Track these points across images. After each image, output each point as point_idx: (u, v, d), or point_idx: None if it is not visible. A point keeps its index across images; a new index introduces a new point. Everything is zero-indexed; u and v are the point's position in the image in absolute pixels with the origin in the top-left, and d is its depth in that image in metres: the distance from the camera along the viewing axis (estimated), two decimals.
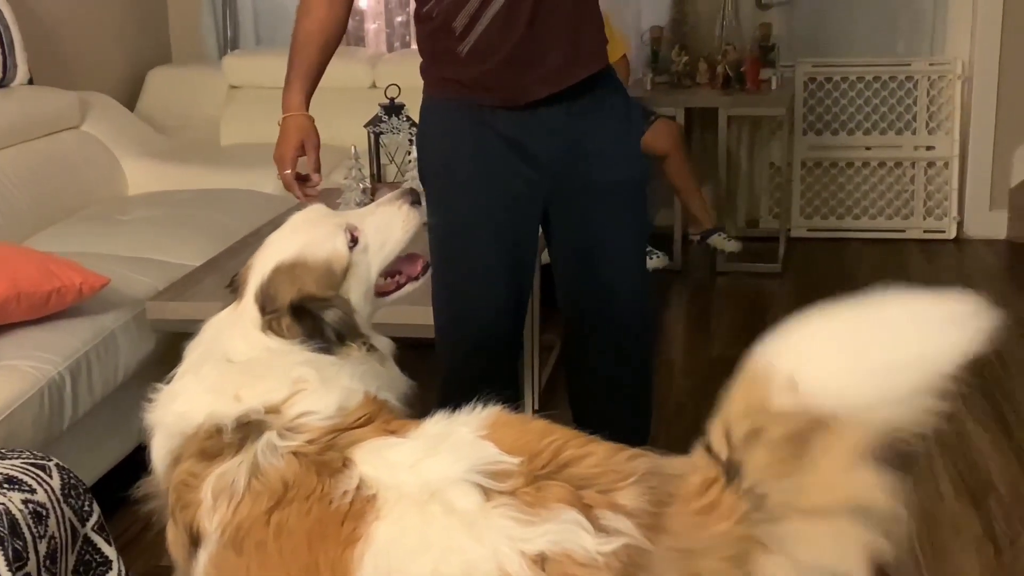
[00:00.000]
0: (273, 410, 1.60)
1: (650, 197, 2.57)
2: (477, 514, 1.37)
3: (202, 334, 1.79)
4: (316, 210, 1.86)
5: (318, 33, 2.41)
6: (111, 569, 2.09)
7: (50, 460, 2.08)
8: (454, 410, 1.54)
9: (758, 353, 1.32)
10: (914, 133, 5.55)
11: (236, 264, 2.00)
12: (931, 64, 5.50)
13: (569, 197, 2.35)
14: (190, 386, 1.69)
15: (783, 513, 1.32)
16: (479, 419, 1.50)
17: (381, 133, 3.60)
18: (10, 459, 2.04)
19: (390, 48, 5.76)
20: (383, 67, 5.04)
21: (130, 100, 5.23)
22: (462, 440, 1.47)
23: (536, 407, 3.46)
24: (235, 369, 1.69)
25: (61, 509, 2.00)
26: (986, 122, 5.39)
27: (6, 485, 1.94)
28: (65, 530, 1.99)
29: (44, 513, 1.95)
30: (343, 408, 1.60)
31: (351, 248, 1.79)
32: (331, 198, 3.33)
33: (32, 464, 2.03)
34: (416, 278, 1.92)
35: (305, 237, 1.78)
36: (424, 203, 1.94)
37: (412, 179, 3.30)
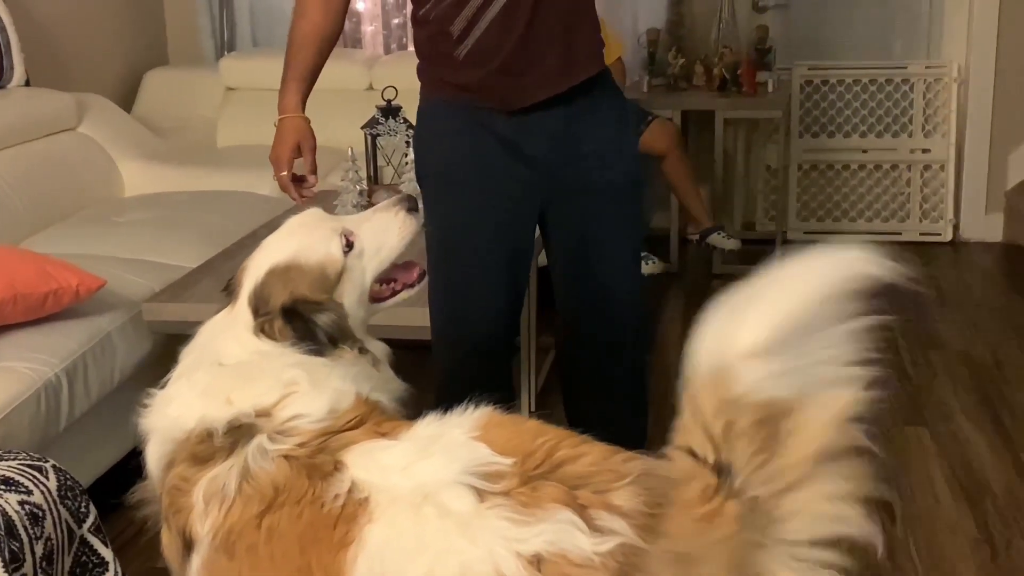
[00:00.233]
0: (264, 413, 1.60)
1: (646, 199, 2.58)
2: (472, 516, 1.37)
3: (197, 337, 1.79)
4: (312, 214, 1.86)
5: (314, 34, 2.41)
6: (107, 571, 2.09)
7: (47, 461, 2.08)
8: (448, 411, 1.54)
9: (699, 349, 1.36)
10: (910, 136, 5.56)
11: (232, 266, 2.00)
12: (927, 67, 5.51)
13: (566, 198, 2.36)
14: (183, 390, 1.69)
15: (774, 504, 1.33)
16: (471, 420, 1.50)
17: (378, 135, 3.60)
18: (7, 460, 2.04)
19: (387, 50, 5.76)
20: (380, 69, 5.04)
21: (127, 102, 5.22)
22: (454, 441, 1.47)
23: (532, 408, 3.47)
24: (226, 372, 1.69)
25: (58, 510, 2.00)
26: (982, 125, 5.39)
27: (2, 486, 1.94)
28: (62, 531, 1.99)
29: (41, 514, 1.95)
30: (334, 410, 1.60)
31: (346, 253, 1.78)
32: (327, 200, 3.33)
33: (29, 465, 2.04)
34: (412, 286, 1.92)
35: (300, 240, 1.78)
36: (421, 210, 1.94)
37: (409, 181, 3.30)
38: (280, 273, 1.75)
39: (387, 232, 1.85)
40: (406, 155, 3.52)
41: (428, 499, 1.40)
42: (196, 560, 1.57)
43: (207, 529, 1.54)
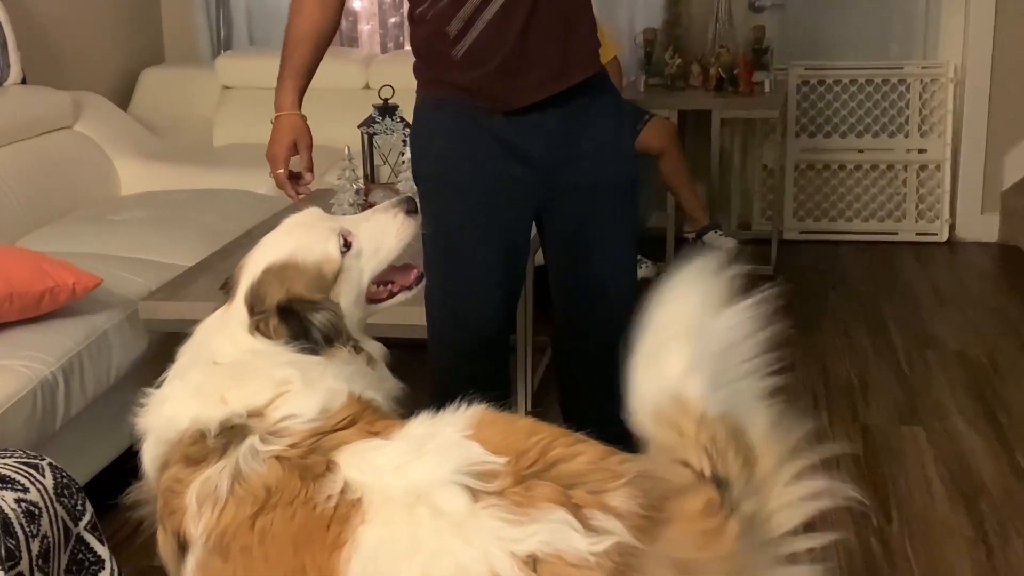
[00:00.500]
0: (256, 413, 1.59)
1: (642, 198, 2.58)
2: (465, 515, 1.37)
3: (194, 336, 1.79)
4: (311, 213, 1.85)
5: (310, 32, 2.41)
6: (104, 568, 2.09)
7: (43, 459, 2.08)
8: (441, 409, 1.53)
9: (646, 391, 1.42)
10: (906, 136, 5.56)
11: (229, 265, 2.01)
12: (923, 67, 5.51)
13: (562, 197, 2.36)
14: (178, 390, 1.69)
15: (764, 517, 1.35)
16: (464, 419, 1.50)
17: (375, 134, 3.60)
18: (3, 458, 2.04)
19: (384, 49, 5.76)
20: (377, 68, 5.04)
21: (123, 100, 5.22)
22: (447, 441, 1.46)
23: (529, 407, 3.47)
24: (220, 371, 1.69)
25: (54, 508, 2.00)
26: (978, 125, 5.40)
27: None
28: (58, 529, 1.99)
29: (37, 512, 1.95)
30: (326, 410, 1.59)
31: (343, 253, 1.78)
32: (324, 199, 3.33)
33: (25, 463, 2.03)
34: (409, 288, 1.91)
35: (298, 239, 1.77)
36: (420, 212, 1.94)
37: (406, 180, 3.30)
38: (277, 271, 1.75)
39: (386, 233, 1.85)
40: (403, 154, 3.52)
41: (421, 499, 1.40)
42: (191, 561, 1.57)
43: (201, 531, 1.54)
